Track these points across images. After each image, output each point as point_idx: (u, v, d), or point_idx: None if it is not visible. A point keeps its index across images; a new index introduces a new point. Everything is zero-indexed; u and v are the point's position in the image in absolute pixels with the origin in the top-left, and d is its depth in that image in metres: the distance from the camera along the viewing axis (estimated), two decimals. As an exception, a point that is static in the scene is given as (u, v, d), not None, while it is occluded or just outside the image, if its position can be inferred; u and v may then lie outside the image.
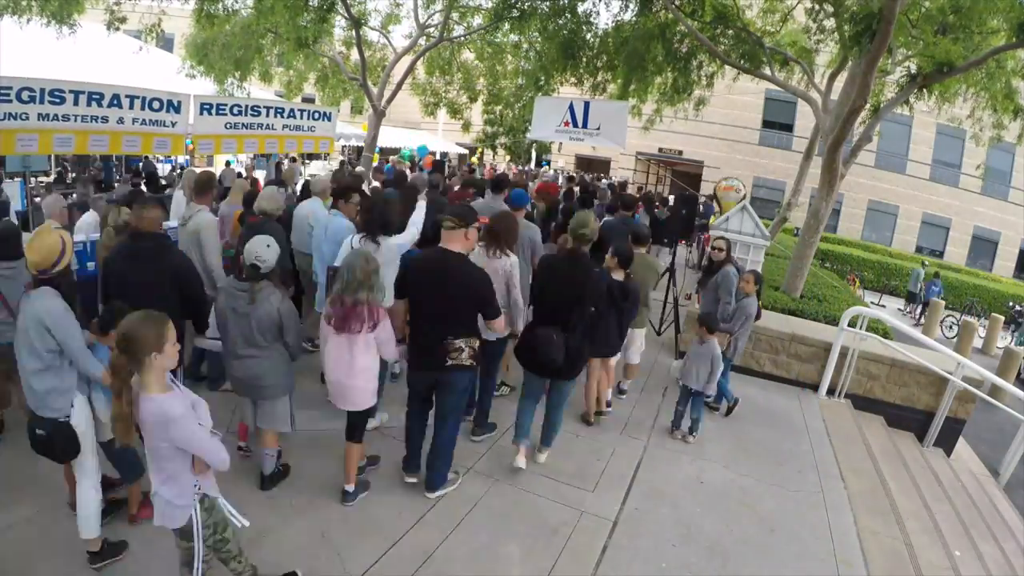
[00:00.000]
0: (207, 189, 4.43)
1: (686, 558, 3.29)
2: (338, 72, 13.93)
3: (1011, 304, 15.53)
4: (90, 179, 10.66)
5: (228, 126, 6.81)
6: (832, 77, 10.08)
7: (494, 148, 22.94)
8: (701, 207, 12.20)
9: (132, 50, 10.12)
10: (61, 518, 2.90)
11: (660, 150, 26.29)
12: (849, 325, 5.83)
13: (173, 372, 2.19)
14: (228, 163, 14.95)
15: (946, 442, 5.93)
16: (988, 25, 7.08)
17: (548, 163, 26.62)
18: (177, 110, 6.11)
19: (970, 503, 5.24)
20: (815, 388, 6.01)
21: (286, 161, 14.68)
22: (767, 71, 9.61)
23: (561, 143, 12.27)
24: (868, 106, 7.19)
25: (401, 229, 3.95)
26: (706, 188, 21.60)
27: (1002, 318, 13.65)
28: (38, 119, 5.02)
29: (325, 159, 18.18)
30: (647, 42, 9.80)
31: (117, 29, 9.56)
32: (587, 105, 8.81)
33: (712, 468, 4.28)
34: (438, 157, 20.09)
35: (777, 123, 24.79)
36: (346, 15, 10.70)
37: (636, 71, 10.39)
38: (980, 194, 22.29)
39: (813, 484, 4.28)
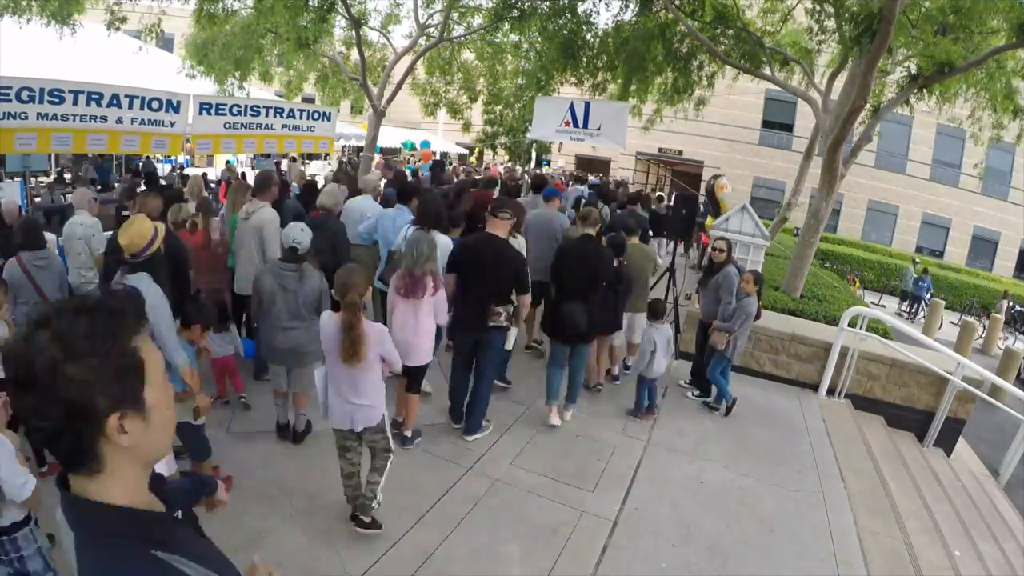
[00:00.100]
0: (267, 187, 4.72)
1: (686, 558, 3.29)
2: (338, 72, 13.91)
3: (1005, 298, 15.51)
4: (85, 180, 10.65)
5: (227, 126, 6.81)
6: (832, 77, 10.04)
7: (494, 148, 22.94)
8: (701, 207, 12.18)
9: (132, 50, 10.13)
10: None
11: (660, 150, 26.25)
12: (849, 325, 5.83)
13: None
14: (228, 163, 14.96)
15: (946, 442, 5.93)
16: (988, 25, 7.07)
17: (548, 163, 26.64)
18: (176, 110, 6.12)
19: (970, 503, 5.23)
20: (815, 388, 6.02)
21: (285, 161, 14.69)
22: (767, 71, 9.59)
23: (561, 143, 12.27)
24: (868, 106, 7.19)
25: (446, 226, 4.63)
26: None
27: (1002, 318, 13.65)
28: (37, 119, 5.03)
29: (325, 159, 18.18)
30: (647, 42, 9.79)
31: (117, 29, 9.54)
32: (587, 105, 8.82)
33: (712, 468, 4.28)
34: (438, 156, 20.11)
35: (777, 123, 24.73)
36: (346, 15, 10.67)
37: (636, 71, 10.39)
38: (980, 194, 22.23)
39: (813, 484, 4.28)
